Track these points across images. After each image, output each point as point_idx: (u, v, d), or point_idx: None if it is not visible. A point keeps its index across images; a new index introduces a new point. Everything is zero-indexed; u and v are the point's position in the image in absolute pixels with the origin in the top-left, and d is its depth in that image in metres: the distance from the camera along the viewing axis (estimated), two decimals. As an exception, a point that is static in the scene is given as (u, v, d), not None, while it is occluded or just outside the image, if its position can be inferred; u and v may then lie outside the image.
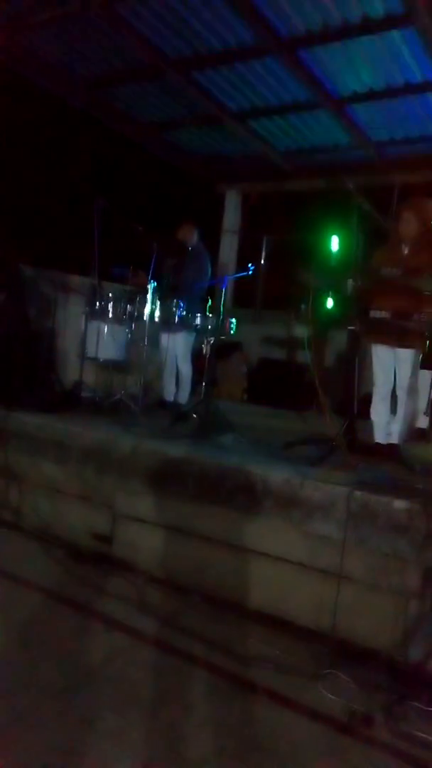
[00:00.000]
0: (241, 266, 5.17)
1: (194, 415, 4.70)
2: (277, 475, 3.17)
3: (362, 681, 2.52)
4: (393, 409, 4.07)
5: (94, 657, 2.60)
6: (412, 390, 4.06)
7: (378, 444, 4.05)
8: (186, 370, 5.55)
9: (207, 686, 2.48)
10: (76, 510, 3.85)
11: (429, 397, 5.47)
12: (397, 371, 4.00)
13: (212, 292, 5.31)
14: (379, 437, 4.06)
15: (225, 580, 3.23)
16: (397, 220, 4.05)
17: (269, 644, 2.81)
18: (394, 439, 4.04)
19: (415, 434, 5.43)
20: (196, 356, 5.58)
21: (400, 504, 2.78)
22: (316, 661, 2.64)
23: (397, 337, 3.91)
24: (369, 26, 5.07)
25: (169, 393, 5.60)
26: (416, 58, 5.42)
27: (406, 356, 3.94)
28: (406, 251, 3.97)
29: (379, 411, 4.09)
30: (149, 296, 4.83)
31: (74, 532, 3.78)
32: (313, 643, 2.81)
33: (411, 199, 4.17)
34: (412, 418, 4.23)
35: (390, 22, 4.98)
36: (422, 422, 5.56)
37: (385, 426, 4.06)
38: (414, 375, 4.00)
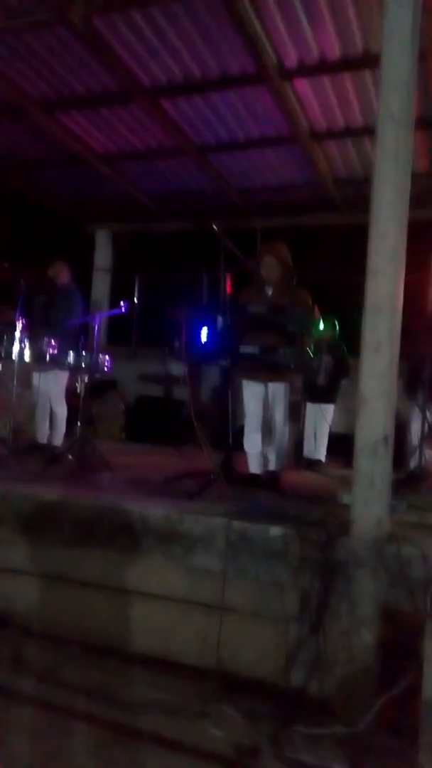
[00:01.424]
0: (115, 304, 5.16)
1: (69, 457, 4.55)
2: (155, 511, 3.15)
3: (248, 712, 2.52)
4: (267, 441, 4.23)
5: (-37, 727, 2.38)
6: (285, 421, 4.26)
7: (253, 474, 4.17)
8: (60, 410, 5.39)
9: (89, 740, 2.36)
10: None
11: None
12: (271, 404, 4.18)
13: (86, 329, 5.25)
14: (254, 467, 4.19)
15: (106, 626, 3.11)
16: (259, 264, 4.28)
17: (154, 687, 2.74)
18: (271, 467, 4.20)
19: (300, 463, 5.73)
20: (70, 395, 5.44)
21: (275, 531, 2.87)
22: (202, 699, 2.61)
23: (268, 372, 4.09)
24: (226, 82, 5.43)
25: (42, 435, 5.39)
26: (269, 114, 5.87)
27: (278, 389, 4.14)
28: (270, 292, 4.20)
29: (251, 442, 4.23)
30: (17, 334, 4.66)
31: None
32: (199, 681, 2.78)
33: (270, 243, 4.44)
34: (287, 447, 4.42)
35: (244, 79, 5.37)
36: (321, 454, 5.93)
37: (258, 456, 4.20)
38: (285, 407, 4.21)
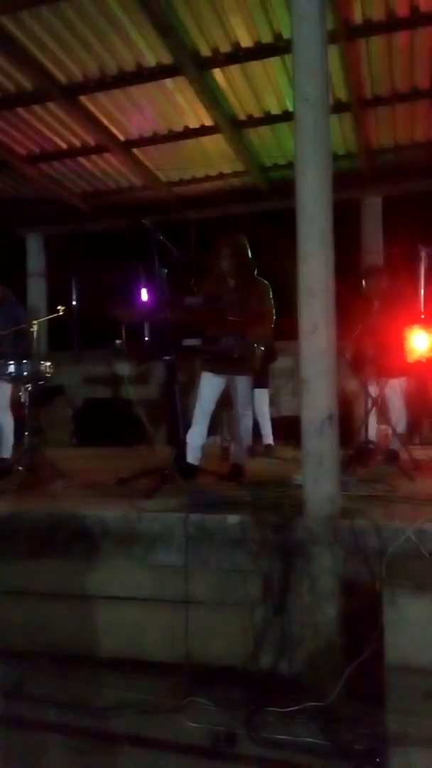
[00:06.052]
0: (52, 309, 5.06)
1: (20, 468, 4.45)
2: (112, 513, 3.12)
3: (222, 701, 2.54)
4: (209, 432, 4.25)
5: None
6: (246, 414, 4.30)
7: (194, 465, 4.11)
8: (5, 421, 5.25)
9: (65, 751, 2.34)
10: None
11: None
12: (232, 397, 4.19)
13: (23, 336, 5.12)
14: (191, 458, 4.13)
15: (73, 634, 3.07)
16: (218, 255, 4.26)
17: (127, 689, 2.73)
18: (235, 459, 4.27)
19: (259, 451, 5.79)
20: (15, 406, 5.31)
21: (232, 519, 2.89)
22: (176, 694, 2.62)
23: (229, 365, 4.09)
24: (143, 74, 5.38)
25: (-11, 449, 5.24)
26: (190, 105, 5.85)
27: (240, 382, 4.18)
28: (232, 283, 4.20)
29: (196, 434, 4.21)
30: None
31: None
32: (171, 676, 2.77)
33: (228, 234, 4.36)
34: (248, 439, 4.44)
35: (162, 71, 5.33)
36: (268, 438, 5.99)
37: (198, 449, 4.18)
38: (245, 399, 4.24)
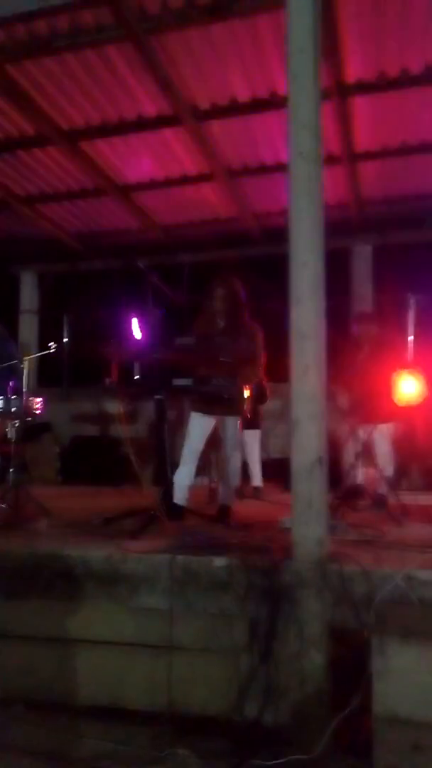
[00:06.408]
0: (43, 346, 5.08)
1: (3, 506, 4.37)
2: (96, 554, 3.06)
3: (203, 752, 2.46)
4: (197, 473, 4.24)
5: None
6: (235, 455, 4.29)
7: (179, 506, 4.07)
8: (-10, 458, 5.19)
9: (39, 805, 2.23)
10: None
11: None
12: (221, 438, 4.18)
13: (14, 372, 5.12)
14: (178, 498, 4.09)
15: (52, 680, 2.97)
16: (211, 296, 4.33)
17: (106, 739, 2.62)
18: (222, 500, 4.23)
19: (239, 492, 5.74)
20: (2, 442, 5.26)
21: (219, 561, 2.85)
22: (155, 745, 2.52)
23: (220, 406, 4.10)
24: (143, 124, 5.57)
25: (-28, 485, 5.15)
26: (188, 154, 6.05)
27: (229, 423, 4.18)
28: (222, 325, 4.25)
29: (184, 474, 4.18)
30: None
31: None
32: (152, 726, 2.68)
33: (223, 276, 4.42)
34: (236, 481, 4.42)
35: (162, 121, 5.52)
36: (257, 480, 5.96)
37: (186, 489, 4.15)
38: (235, 441, 4.24)
